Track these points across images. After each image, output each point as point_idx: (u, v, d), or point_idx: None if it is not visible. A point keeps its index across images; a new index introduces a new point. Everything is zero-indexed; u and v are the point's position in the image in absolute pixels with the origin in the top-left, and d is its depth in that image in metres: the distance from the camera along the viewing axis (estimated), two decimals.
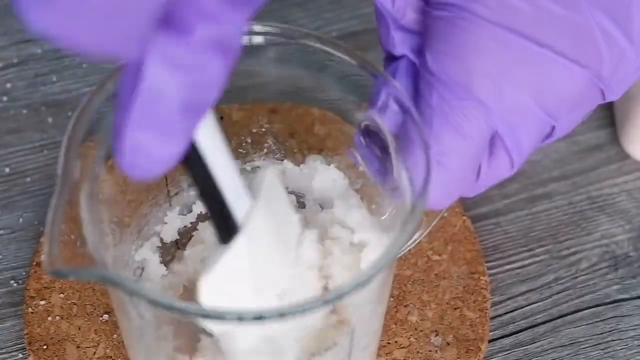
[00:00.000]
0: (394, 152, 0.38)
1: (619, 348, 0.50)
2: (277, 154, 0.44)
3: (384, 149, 0.38)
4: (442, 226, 0.52)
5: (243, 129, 0.42)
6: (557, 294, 0.52)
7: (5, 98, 0.58)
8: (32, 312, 0.49)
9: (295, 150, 0.44)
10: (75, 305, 0.49)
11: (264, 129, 0.43)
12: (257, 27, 0.38)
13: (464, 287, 0.50)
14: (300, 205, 0.44)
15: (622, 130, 0.57)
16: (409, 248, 0.44)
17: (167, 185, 0.45)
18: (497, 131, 0.38)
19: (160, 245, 0.46)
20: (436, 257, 0.51)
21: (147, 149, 0.27)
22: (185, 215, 0.47)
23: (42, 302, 0.49)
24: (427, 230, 0.43)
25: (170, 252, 0.46)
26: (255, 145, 0.43)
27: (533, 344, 0.50)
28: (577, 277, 0.52)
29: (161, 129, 0.27)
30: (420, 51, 0.39)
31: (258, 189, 0.36)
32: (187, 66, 0.26)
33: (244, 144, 0.43)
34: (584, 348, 0.50)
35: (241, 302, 0.36)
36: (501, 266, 0.53)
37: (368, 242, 0.41)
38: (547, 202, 0.55)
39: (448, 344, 0.48)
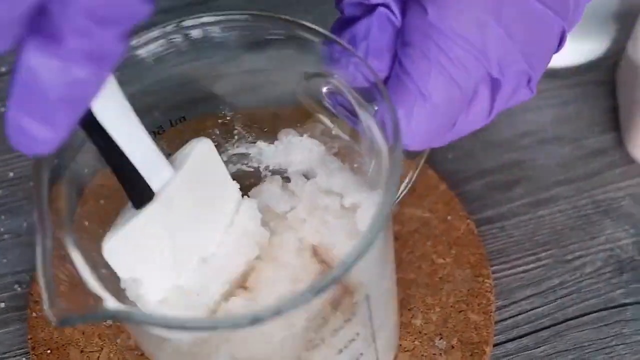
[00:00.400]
0: (362, 112, 0.38)
1: (624, 352, 0.50)
2: (248, 137, 0.44)
3: (352, 111, 0.39)
4: (447, 230, 0.52)
5: (210, 120, 0.43)
6: (561, 298, 0.52)
7: None
8: (36, 317, 0.49)
9: (265, 129, 0.44)
10: None
11: (228, 118, 0.43)
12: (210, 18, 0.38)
13: (468, 290, 0.50)
14: (285, 180, 0.44)
15: (627, 134, 0.57)
16: (399, 198, 0.44)
17: None
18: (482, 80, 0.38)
19: None
20: (440, 261, 0.51)
21: (30, 132, 0.28)
22: None
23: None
24: (414, 178, 0.44)
25: None
26: (224, 135, 0.43)
27: (537, 349, 0.50)
28: (581, 281, 0.52)
29: (40, 116, 0.28)
30: (403, 2, 0.38)
31: (185, 160, 0.38)
32: (57, 68, 0.27)
33: (213, 137, 0.43)
34: (588, 352, 0.50)
35: (154, 264, 0.38)
36: (505, 270, 0.53)
37: (359, 203, 0.41)
38: (552, 206, 0.55)
39: (452, 347, 0.48)
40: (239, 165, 0.45)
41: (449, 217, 0.53)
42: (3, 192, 0.55)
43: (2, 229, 0.54)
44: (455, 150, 0.57)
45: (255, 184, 0.45)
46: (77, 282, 0.35)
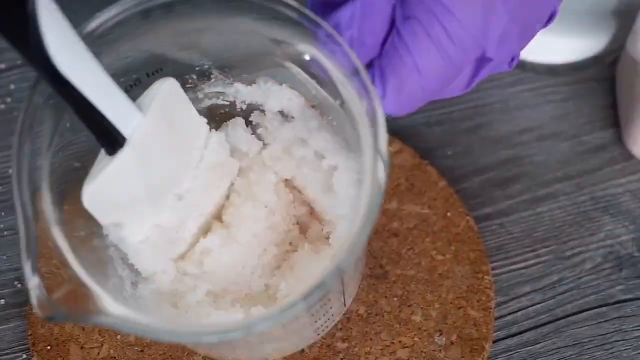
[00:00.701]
0: (342, 84, 0.38)
1: (623, 348, 0.50)
2: (225, 80, 0.44)
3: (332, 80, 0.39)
4: (446, 226, 0.52)
5: (186, 72, 0.43)
6: (561, 294, 0.52)
7: (9, 99, 0.58)
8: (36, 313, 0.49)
9: (243, 75, 0.44)
10: None
11: (206, 66, 0.43)
12: None
13: (467, 287, 0.50)
14: (257, 109, 0.45)
15: (626, 130, 0.57)
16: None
17: None
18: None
19: None
20: (440, 257, 0.51)
21: None
22: None
23: None
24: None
25: None
26: (201, 79, 0.44)
27: (537, 345, 0.50)
28: (581, 278, 0.52)
29: None
30: None
31: (152, 101, 0.38)
32: None
33: (190, 81, 0.43)
34: (588, 348, 0.50)
35: (133, 206, 0.39)
36: (505, 267, 0.53)
37: (337, 165, 0.42)
38: (551, 202, 0.55)
39: (452, 343, 0.48)
40: (214, 100, 0.45)
41: (448, 214, 0.53)
42: (3, 189, 0.55)
43: (2, 226, 0.54)
44: (454, 146, 0.57)
45: (229, 113, 0.45)
46: (68, 277, 0.35)
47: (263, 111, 0.45)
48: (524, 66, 0.61)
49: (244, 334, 0.34)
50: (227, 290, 0.42)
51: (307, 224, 0.45)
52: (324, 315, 0.44)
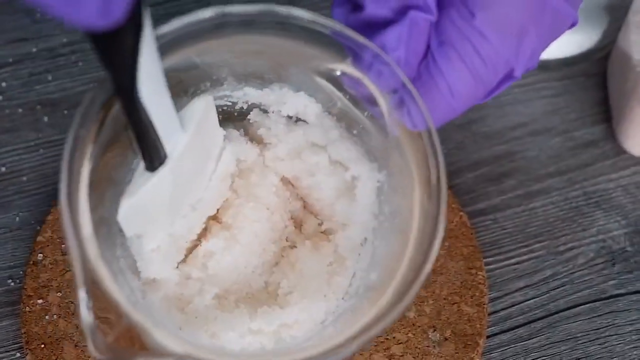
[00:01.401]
0: (379, 98, 0.39)
1: (616, 343, 0.50)
2: (236, 85, 0.44)
3: (367, 96, 0.40)
4: None
5: (204, 78, 0.43)
6: (554, 289, 0.52)
7: (0, 97, 0.58)
8: (29, 311, 0.49)
9: (258, 81, 0.44)
10: (72, 304, 0.49)
11: (224, 75, 0.43)
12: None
13: (461, 283, 0.50)
14: (261, 111, 0.45)
15: (618, 126, 0.57)
16: None
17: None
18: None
19: None
20: None
21: None
22: None
23: (40, 301, 0.49)
24: None
25: None
26: (214, 85, 0.44)
27: (531, 340, 0.50)
28: (574, 273, 0.53)
29: None
30: (439, 3, 0.39)
31: (190, 120, 0.38)
32: None
33: (203, 88, 0.43)
34: (581, 343, 0.50)
35: (157, 219, 0.40)
36: (498, 262, 0.53)
37: (359, 175, 0.43)
38: (544, 198, 0.56)
39: (446, 339, 0.48)
40: (217, 101, 0.45)
41: None
42: None
43: None
44: (447, 142, 0.57)
45: (225, 113, 0.45)
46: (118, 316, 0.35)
47: (265, 111, 0.44)
48: None
49: None
50: (230, 291, 0.42)
51: (301, 218, 0.45)
52: None
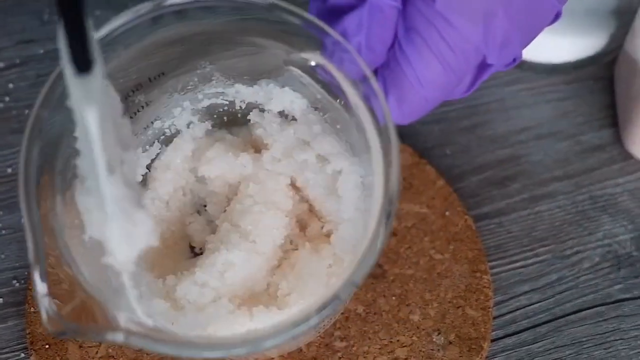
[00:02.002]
0: (349, 90, 0.38)
1: (622, 347, 0.50)
2: (226, 82, 0.44)
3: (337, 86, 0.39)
4: (444, 225, 0.52)
5: (188, 74, 0.43)
6: (559, 293, 0.52)
7: (7, 98, 0.58)
8: (34, 312, 0.49)
9: (245, 77, 0.44)
10: None
11: (208, 69, 0.43)
12: None
13: (466, 286, 0.50)
14: (260, 111, 0.45)
15: (625, 130, 0.57)
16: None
17: None
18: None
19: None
20: (438, 256, 0.51)
21: None
22: (148, 149, 0.46)
23: None
24: None
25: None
26: (202, 81, 0.44)
27: (535, 344, 0.50)
28: (579, 277, 0.52)
29: None
30: None
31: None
32: None
33: (191, 83, 0.43)
34: (586, 348, 0.50)
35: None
36: (503, 266, 0.53)
37: (341, 169, 0.42)
38: (550, 201, 0.55)
39: (450, 342, 0.48)
40: (214, 100, 0.45)
41: (447, 213, 0.53)
42: (1, 188, 0.55)
43: (0, 225, 0.54)
44: (453, 145, 0.57)
45: (228, 111, 0.45)
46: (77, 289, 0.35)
47: (263, 110, 0.45)
48: (522, 65, 0.61)
49: (251, 349, 0.34)
50: (237, 295, 0.42)
51: (306, 221, 0.45)
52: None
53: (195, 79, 0.43)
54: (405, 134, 0.57)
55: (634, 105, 0.55)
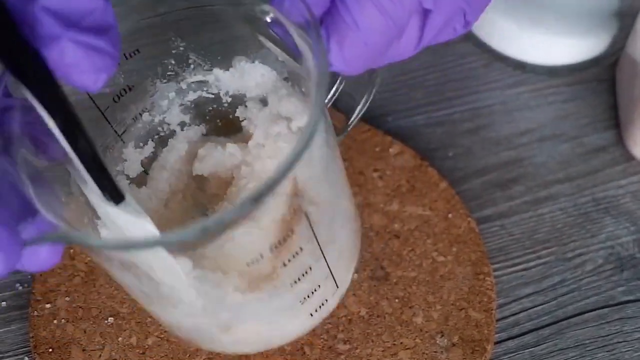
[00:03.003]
0: (300, 41, 0.38)
1: (625, 350, 0.50)
2: (204, 66, 0.45)
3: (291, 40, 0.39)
4: (447, 228, 0.52)
5: (164, 52, 0.43)
6: (562, 296, 0.52)
7: None
8: (37, 316, 0.49)
9: (219, 57, 0.44)
10: (80, 309, 0.49)
11: (182, 48, 0.43)
12: None
13: (469, 288, 0.50)
14: (242, 103, 0.45)
15: (627, 132, 0.57)
16: (358, 117, 0.46)
17: (111, 126, 0.45)
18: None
19: (129, 181, 0.46)
20: (441, 259, 0.51)
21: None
22: (142, 147, 0.46)
23: (48, 306, 0.49)
24: (370, 98, 0.45)
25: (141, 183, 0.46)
26: (180, 65, 0.44)
27: (538, 346, 0.50)
28: (582, 279, 0.52)
29: None
30: None
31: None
32: None
33: (170, 67, 0.44)
34: (589, 350, 0.50)
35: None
36: (506, 268, 0.53)
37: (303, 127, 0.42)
38: (552, 204, 0.55)
39: (453, 344, 0.48)
40: (199, 92, 0.46)
41: (449, 215, 0.53)
42: None
43: None
44: (455, 148, 0.57)
45: (218, 110, 0.46)
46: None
47: (245, 102, 0.45)
48: (524, 67, 0.61)
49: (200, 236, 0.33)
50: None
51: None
52: (310, 292, 0.43)
53: (173, 61, 0.43)
54: (408, 136, 0.57)
55: (636, 106, 0.55)
